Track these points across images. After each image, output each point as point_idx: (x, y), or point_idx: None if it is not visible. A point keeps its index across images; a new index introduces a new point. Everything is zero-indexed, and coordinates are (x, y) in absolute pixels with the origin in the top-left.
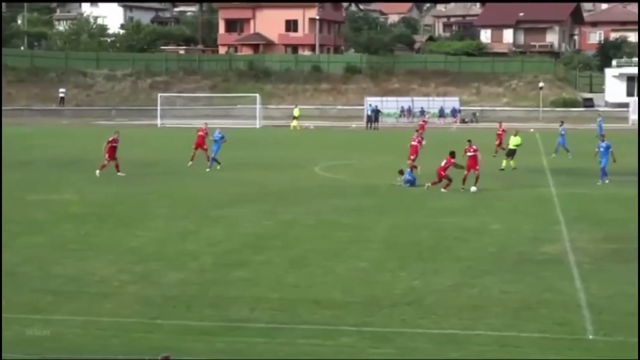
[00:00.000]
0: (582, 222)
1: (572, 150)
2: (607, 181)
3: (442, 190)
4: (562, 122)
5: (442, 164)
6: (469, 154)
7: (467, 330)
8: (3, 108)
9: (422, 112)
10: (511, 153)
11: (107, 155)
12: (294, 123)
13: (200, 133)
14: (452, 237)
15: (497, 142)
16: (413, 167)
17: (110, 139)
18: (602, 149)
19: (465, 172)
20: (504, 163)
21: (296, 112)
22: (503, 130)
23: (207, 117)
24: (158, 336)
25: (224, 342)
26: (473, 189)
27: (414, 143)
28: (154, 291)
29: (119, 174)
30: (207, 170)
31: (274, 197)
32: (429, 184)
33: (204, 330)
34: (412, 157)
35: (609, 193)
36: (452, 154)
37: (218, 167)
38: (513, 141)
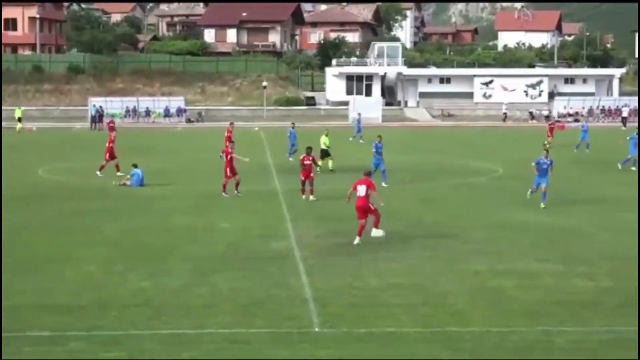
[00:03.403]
0: (307, 219)
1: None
2: (384, 184)
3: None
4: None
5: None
6: (306, 162)
7: (198, 329)
8: None
9: (148, 112)
10: (325, 153)
11: None
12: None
13: None
14: (182, 237)
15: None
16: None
17: None
18: (378, 149)
19: (302, 178)
20: (321, 163)
21: (19, 113)
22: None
23: None
24: None
25: None
26: (311, 197)
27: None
28: None
29: None
30: None
31: None
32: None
33: None
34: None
35: (332, 189)
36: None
37: None
38: (323, 141)
